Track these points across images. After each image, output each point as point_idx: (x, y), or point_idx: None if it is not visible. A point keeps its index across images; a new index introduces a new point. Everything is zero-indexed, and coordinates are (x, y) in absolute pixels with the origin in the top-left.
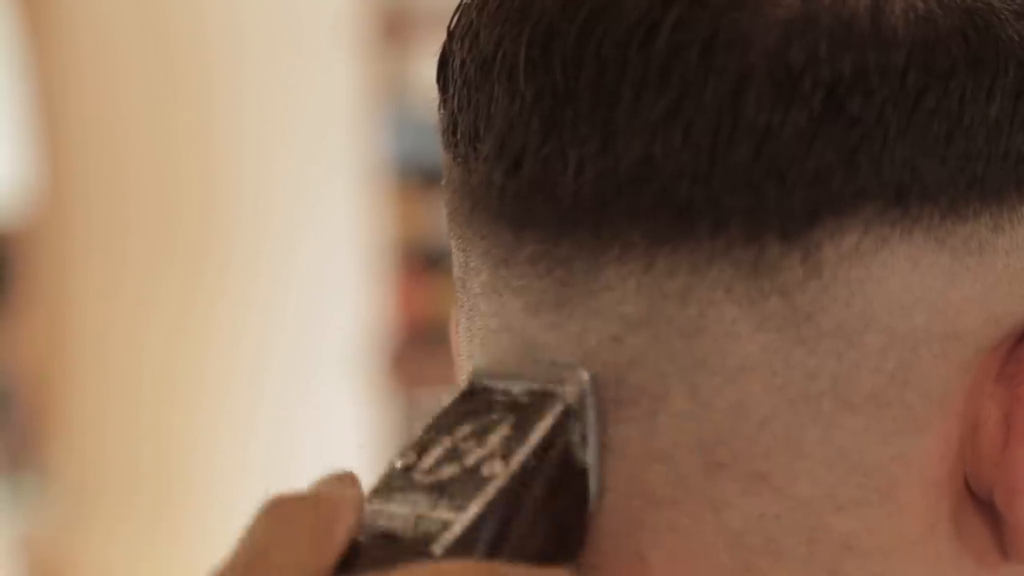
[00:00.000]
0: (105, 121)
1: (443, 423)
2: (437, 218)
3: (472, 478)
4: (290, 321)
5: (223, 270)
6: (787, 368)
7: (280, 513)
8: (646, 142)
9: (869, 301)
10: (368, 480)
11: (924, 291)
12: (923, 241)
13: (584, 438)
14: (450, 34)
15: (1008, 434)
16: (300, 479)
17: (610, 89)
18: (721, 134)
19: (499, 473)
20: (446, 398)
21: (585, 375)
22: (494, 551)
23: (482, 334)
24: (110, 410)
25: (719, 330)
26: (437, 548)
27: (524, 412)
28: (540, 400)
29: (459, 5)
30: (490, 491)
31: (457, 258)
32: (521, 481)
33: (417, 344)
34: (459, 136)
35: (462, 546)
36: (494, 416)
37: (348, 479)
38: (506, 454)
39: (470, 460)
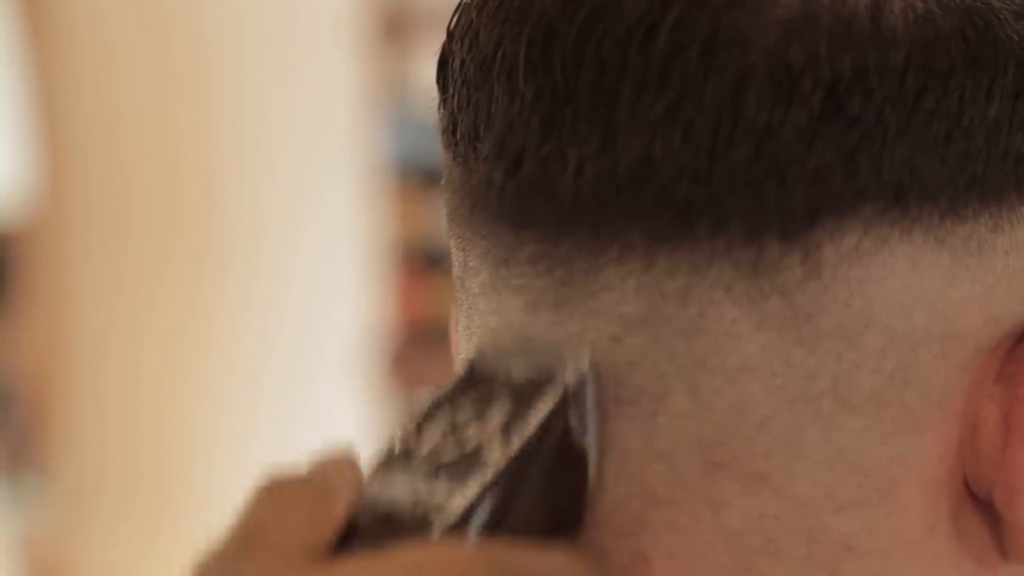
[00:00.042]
0: (105, 120)
1: (443, 405)
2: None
3: (471, 460)
4: (290, 321)
5: (223, 270)
6: (787, 368)
7: (277, 492)
8: (646, 142)
9: (869, 301)
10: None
11: (923, 291)
12: (923, 241)
13: (583, 421)
14: (450, 34)
15: (1008, 434)
16: None
17: (610, 89)
18: (721, 134)
19: (498, 456)
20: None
21: (585, 358)
22: (492, 533)
23: (481, 332)
24: (110, 410)
25: (719, 330)
26: (435, 529)
27: (524, 395)
28: (540, 383)
29: (459, 5)
30: (489, 474)
31: (456, 258)
32: (520, 464)
33: (417, 344)
34: (459, 136)
35: (460, 528)
36: (494, 399)
37: (347, 459)
38: (505, 437)
39: (469, 442)
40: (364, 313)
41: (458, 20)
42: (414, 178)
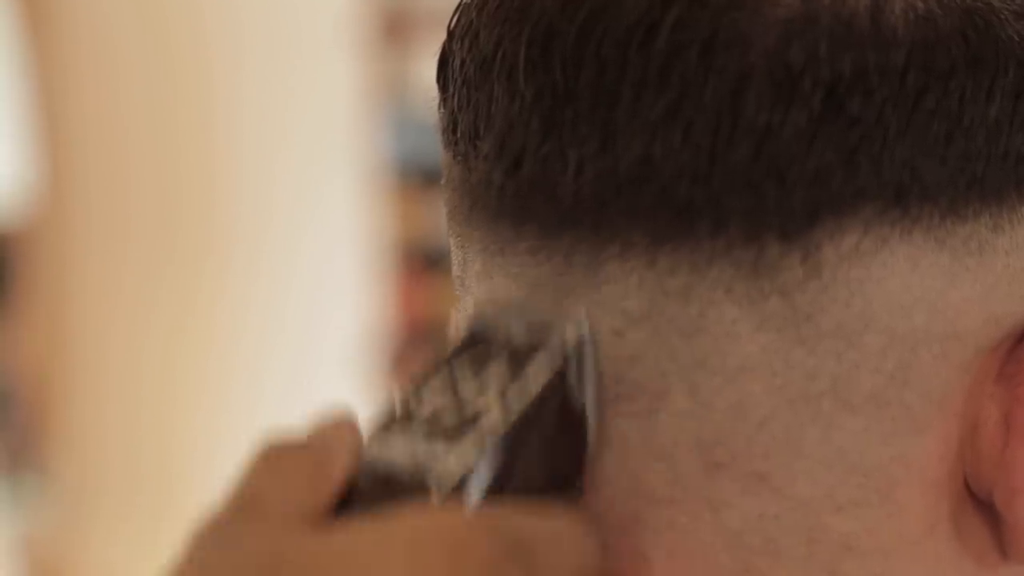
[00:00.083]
0: (105, 120)
1: (442, 367)
2: (437, 218)
3: (471, 423)
4: (290, 321)
5: (223, 270)
6: (787, 368)
7: (275, 457)
8: (646, 142)
9: (869, 301)
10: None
11: (924, 291)
12: (923, 241)
13: (582, 383)
14: (450, 34)
15: (1008, 434)
16: None
17: (610, 89)
18: (721, 134)
19: (497, 418)
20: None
21: (584, 318)
22: (492, 496)
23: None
24: (110, 410)
25: (719, 330)
26: (436, 493)
27: (523, 357)
28: (538, 345)
29: (459, 5)
30: (489, 436)
31: (456, 256)
32: (520, 426)
33: (417, 344)
34: (459, 135)
35: (460, 491)
36: (492, 360)
37: (346, 423)
38: (504, 399)
39: (469, 404)
40: (364, 313)
41: (458, 20)
42: (414, 178)
